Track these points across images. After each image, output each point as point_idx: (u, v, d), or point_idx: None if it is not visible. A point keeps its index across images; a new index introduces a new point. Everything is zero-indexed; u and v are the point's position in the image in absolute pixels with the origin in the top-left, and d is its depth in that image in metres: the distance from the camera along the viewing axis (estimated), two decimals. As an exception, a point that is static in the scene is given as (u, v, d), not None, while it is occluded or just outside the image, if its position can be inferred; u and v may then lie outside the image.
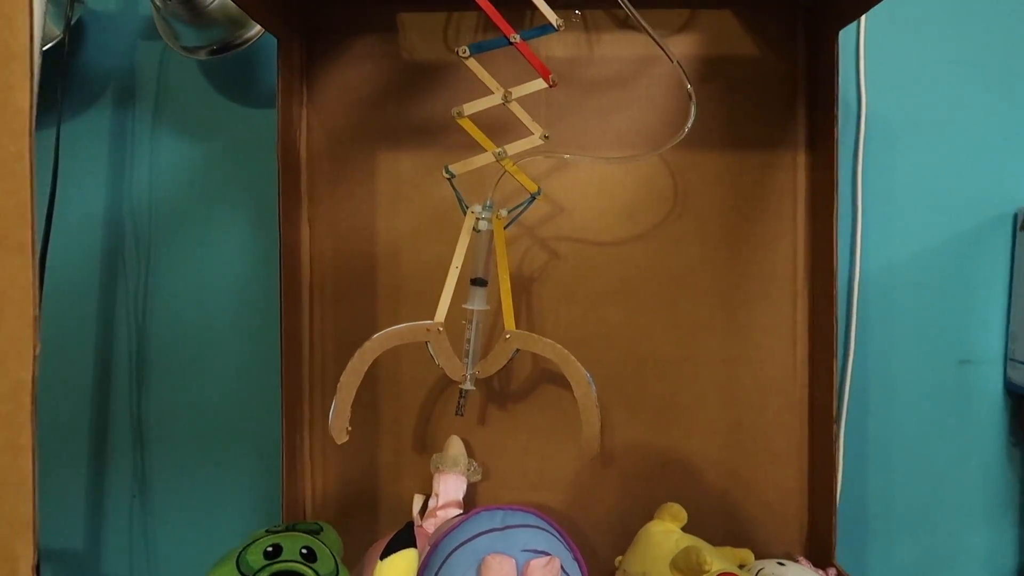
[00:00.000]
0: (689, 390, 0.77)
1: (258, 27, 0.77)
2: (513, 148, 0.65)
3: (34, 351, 0.28)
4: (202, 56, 0.78)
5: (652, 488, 0.77)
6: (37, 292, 0.28)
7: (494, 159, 0.65)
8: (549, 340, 0.66)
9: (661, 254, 0.76)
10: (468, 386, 0.68)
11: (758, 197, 0.76)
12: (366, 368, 0.64)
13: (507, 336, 0.67)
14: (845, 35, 0.70)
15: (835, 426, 0.74)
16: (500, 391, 0.79)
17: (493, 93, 0.63)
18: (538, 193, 0.68)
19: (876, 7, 0.62)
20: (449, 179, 0.65)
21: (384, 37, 0.77)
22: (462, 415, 0.71)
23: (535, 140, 0.65)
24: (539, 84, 0.63)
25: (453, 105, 0.63)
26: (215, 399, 0.84)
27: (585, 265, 0.77)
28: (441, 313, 0.65)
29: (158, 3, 0.76)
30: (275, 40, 0.72)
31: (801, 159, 0.76)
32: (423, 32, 0.77)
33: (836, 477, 0.73)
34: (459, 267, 0.65)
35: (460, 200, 0.67)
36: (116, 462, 0.85)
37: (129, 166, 0.85)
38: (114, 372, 0.85)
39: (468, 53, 0.60)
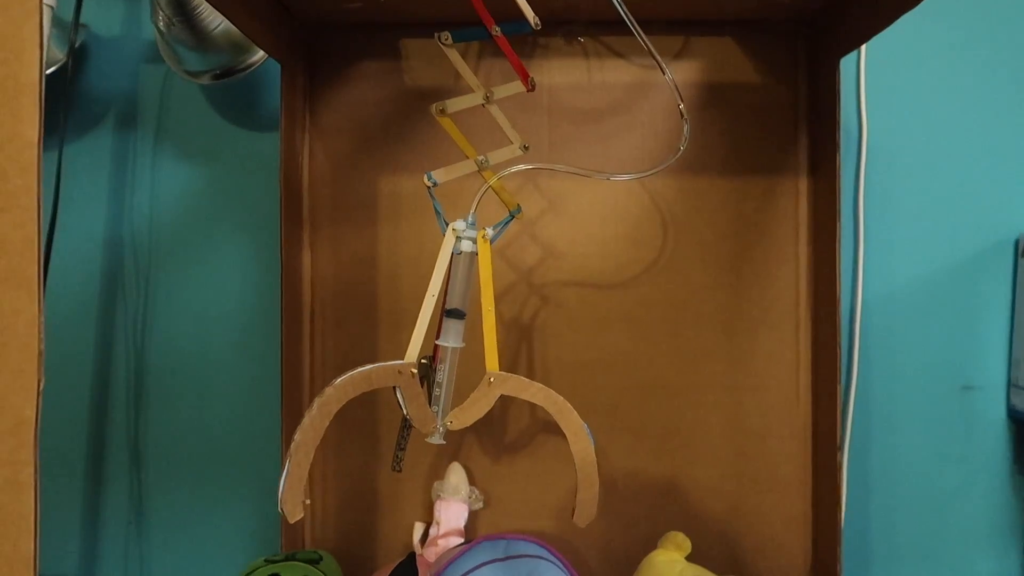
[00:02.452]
0: (692, 417, 0.77)
1: (261, 52, 0.77)
2: (495, 157, 0.62)
3: (38, 387, 0.27)
4: (205, 80, 0.78)
5: (655, 516, 0.76)
6: (42, 327, 0.27)
7: (477, 168, 0.62)
8: (541, 385, 0.58)
9: (664, 280, 0.76)
10: (438, 440, 0.58)
11: (760, 223, 0.76)
12: (327, 422, 0.53)
13: (490, 380, 0.57)
14: (846, 61, 0.71)
15: (839, 453, 0.73)
16: (501, 417, 0.78)
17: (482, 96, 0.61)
18: (517, 211, 0.66)
19: (876, 35, 0.62)
20: (430, 188, 0.60)
21: (387, 62, 0.77)
22: (399, 470, 0.65)
23: (515, 150, 0.64)
24: (519, 87, 0.61)
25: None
26: (214, 424, 0.83)
27: (588, 291, 0.77)
28: (413, 352, 0.55)
29: (162, 28, 0.76)
30: (278, 64, 0.72)
31: (803, 185, 0.76)
32: (426, 57, 0.77)
33: (840, 505, 0.72)
34: (436, 295, 0.57)
35: (439, 213, 0.60)
36: (113, 487, 0.84)
37: (130, 189, 0.85)
38: (112, 396, 0.84)
39: (451, 41, 0.58)
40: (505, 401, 0.78)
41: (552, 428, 0.77)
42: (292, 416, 0.74)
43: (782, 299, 0.76)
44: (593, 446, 0.58)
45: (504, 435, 0.78)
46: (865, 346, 0.79)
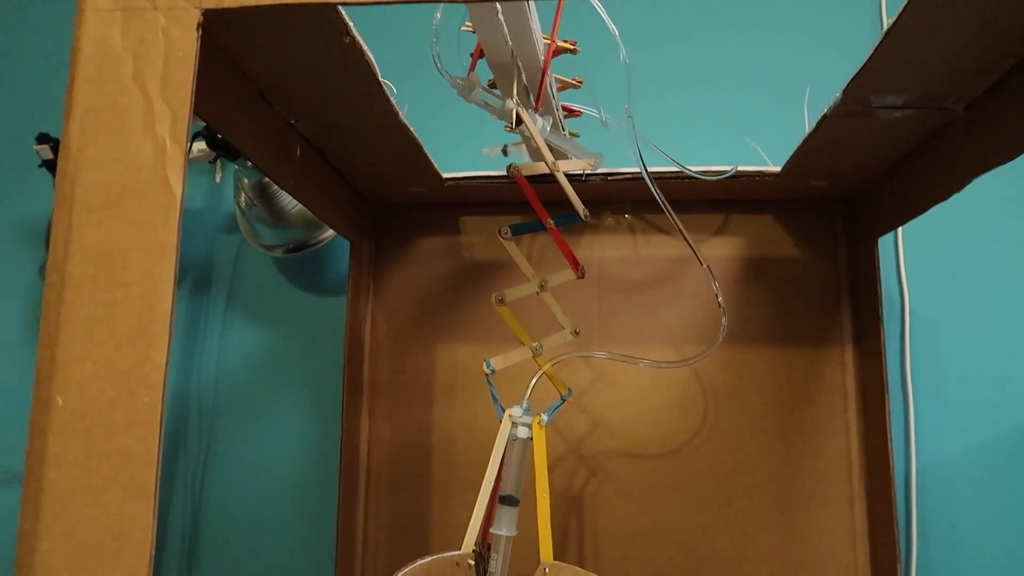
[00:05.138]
0: (747, 592, 0.75)
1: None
2: (548, 343, 0.65)
3: (146, 590, 0.30)
4: (278, 254, 0.85)
5: None
6: (154, 533, 0.30)
7: (532, 354, 0.64)
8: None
9: (713, 449, 0.77)
10: None
11: (808, 393, 0.77)
12: None
13: (545, 570, 0.57)
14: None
15: (904, 636, 0.70)
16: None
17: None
18: (569, 395, 0.67)
19: (911, 220, 0.66)
20: (488, 375, 0.62)
21: (447, 238, 0.83)
22: None
23: (566, 335, 0.66)
24: (570, 275, 0.65)
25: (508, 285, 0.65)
26: (265, 585, 0.83)
27: (637, 460, 0.78)
28: (469, 541, 0.56)
29: (243, 207, 0.83)
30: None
31: (848, 356, 0.77)
32: (483, 234, 0.83)
33: None
34: (492, 482, 0.58)
35: (496, 399, 0.62)
36: (160, 649, 0.84)
37: (200, 349, 0.90)
38: (166, 549, 0.86)
39: (509, 235, 0.62)
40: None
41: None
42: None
43: (834, 470, 0.76)
44: None
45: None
46: (923, 519, 0.78)
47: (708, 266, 0.62)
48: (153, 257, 0.32)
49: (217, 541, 0.85)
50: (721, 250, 0.80)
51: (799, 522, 0.75)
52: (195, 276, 0.93)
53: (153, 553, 0.30)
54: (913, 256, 0.83)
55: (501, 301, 0.62)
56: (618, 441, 0.78)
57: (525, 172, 0.60)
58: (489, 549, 0.57)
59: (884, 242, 0.82)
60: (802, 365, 0.78)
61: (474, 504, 0.58)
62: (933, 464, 0.79)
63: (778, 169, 0.71)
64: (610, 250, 0.81)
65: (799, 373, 0.77)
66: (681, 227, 0.60)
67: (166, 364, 0.32)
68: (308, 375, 0.87)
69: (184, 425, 0.89)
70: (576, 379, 0.79)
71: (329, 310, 0.89)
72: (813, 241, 0.80)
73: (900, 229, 0.84)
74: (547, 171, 0.59)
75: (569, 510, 0.77)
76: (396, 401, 0.81)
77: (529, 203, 0.62)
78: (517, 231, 0.61)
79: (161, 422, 0.31)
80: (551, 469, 0.77)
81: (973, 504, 0.78)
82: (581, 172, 0.71)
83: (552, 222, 0.62)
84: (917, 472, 0.78)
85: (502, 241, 0.61)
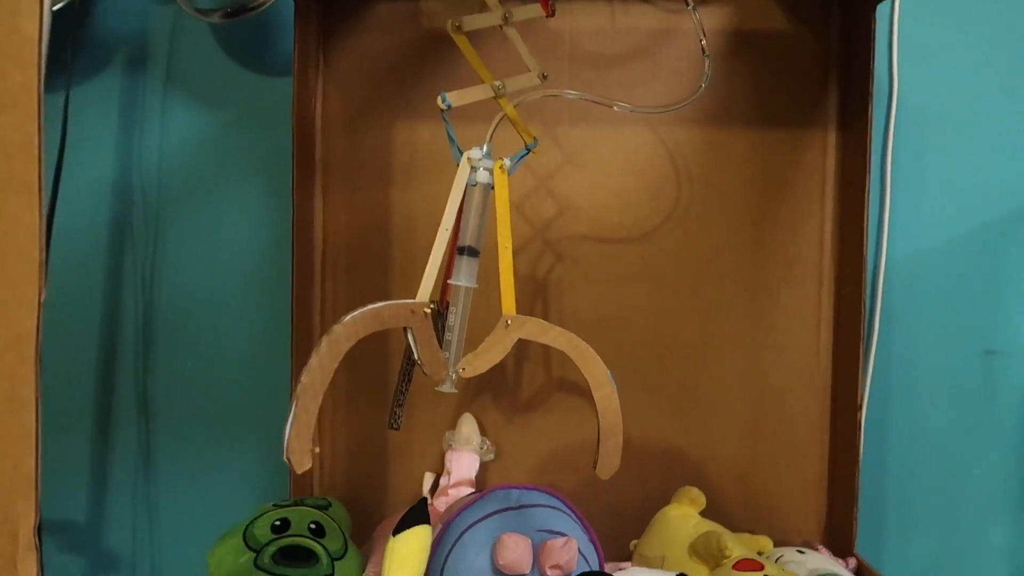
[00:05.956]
0: (710, 374, 0.75)
1: (274, -10, 0.75)
2: (513, 84, 0.58)
3: (39, 298, 0.26)
4: (216, 19, 0.76)
5: (669, 473, 0.75)
6: (44, 235, 0.26)
7: (493, 93, 0.57)
8: (561, 329, 0.54)
9: (684, 234, 0.74)
10: (449, 388, 0.54)
11: (786, 177, 0.74)
12: (336, 363, 0.49)
13: (507, 322, 0.52)
14: (878, 14, 0.68)
15: (858, 413, 0.72)
16: (514, 369, 0.77)
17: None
18: (535, 144, 0.61)
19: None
20: (444, 110, 0.55)
21: (405, 4, 0.75)
22: (397, 428, 0.62)
23: (533, 78, 0.60)
24: (538, 10, 0.58)
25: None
26: (223, 371, 0.82)
27: (606, 245, 0.75)
28: (425, 291, 0.51)
29: (172, -37, 0.74)
30: (292, 5, 0.70)
31: (831, 139, 0.74)
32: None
33: (857, 467, 0.71)
34: (450, 229, 0.52)
35: (452, 139, 0.55)
36: (121, 434, 0.83)
37: (139, 133, 0.83)
38: (120, 342, 0.83)
39: None
40: (519, 356, 0.77)
41: (567, 386, 0.76)
42: (301, 363, 0.73)
43: (806, 256, 0.74)
44: (616, 394, 0.54)
45: (518, 391, 0.77)
46: (887, 306, 0.77)
47: (693, 4, 0.56)
48: (11, -100, 0.25)
49: (171, 328, 0.82)
50: (704, 22, 0.73)
51: (766, 306, 0.75)
52: (128, 53, 0.84)
53: (44, 258, 0.26)
54: (907, 42, 0.77)
55: (458, 28, 0.55)
56: (586, 226, 0.75)
57: None
58: (447, 307, 0.55)
59: (878, 29, 0.75)
60: (782, 147, 0.74)
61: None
62: (903, 256, 0.78)
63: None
64: (584, 20, 0.74)
65: (778, 156, 0.74)
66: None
67: (40, 37, 0.26)
68: (258, 156, 0.81)
69: (128, 215, 0.83)
70: (544, 161, 0.74)
71: (277, 87, 0.81)
72: (805, 13, 0.73)
73: (896, 14, 0.77)
74: None
75: (534, 295, 0.75)
76: (351, 182, 0.76)
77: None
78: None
79: (39, 106, 0.26)
80: (516, 254, 0.74)
81: (937, 297, 0.78)
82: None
83: None
84: (886, 262, 0.77)
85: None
